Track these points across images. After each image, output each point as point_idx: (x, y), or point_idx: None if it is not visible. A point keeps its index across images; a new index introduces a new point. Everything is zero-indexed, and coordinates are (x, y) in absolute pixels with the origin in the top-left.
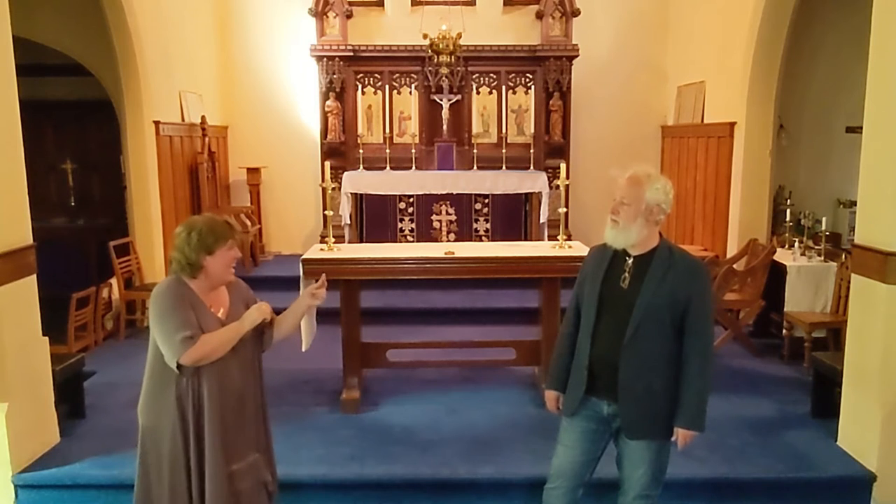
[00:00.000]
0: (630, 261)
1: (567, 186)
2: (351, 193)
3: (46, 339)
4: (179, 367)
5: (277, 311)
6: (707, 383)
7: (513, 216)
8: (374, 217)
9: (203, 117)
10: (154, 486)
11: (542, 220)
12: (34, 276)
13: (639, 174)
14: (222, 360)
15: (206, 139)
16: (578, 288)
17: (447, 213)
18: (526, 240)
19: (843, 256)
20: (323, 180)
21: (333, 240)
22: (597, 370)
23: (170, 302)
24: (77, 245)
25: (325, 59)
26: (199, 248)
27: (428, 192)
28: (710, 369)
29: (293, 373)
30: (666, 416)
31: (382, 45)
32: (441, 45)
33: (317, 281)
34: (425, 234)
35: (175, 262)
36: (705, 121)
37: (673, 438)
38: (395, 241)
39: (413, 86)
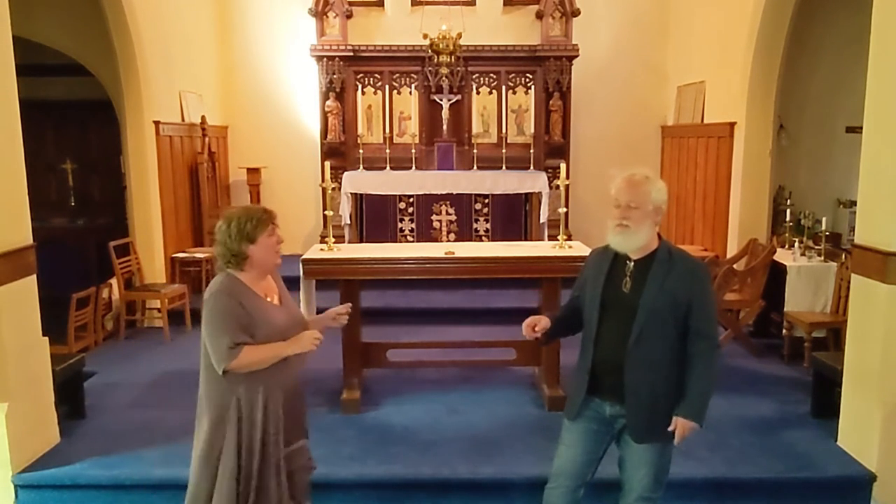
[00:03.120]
0: (631, 264)
1: (567, 186)
2: (351, 193)
3: (46, 339)
4: (225, 370)
5: None
6: (712, 381)
7: (513, 216)
8: (374, 217)
9: (203, 117)
10: (212, 478)
11: (542, 220)
12: (34, 276)
13: (639, 176)
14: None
15: (206, 139)
16: (578, 289)
17: (447, 213)
18: (526, 240)
19: (843, 256)
20: (323, 180)
21: (333, 240)
22: (600, 373)
23: (220, 308)
24: (77, 245)
25: (325, 59)
26: (241, 238)
27: (428, 192)
28: (716, 367)
29: None
30: (669, 419)
31: (382, 45)
32: (441, 45)
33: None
34: (425, 234)
35: (220, 257)
36: (705, 121)
37: (671, 428)
38: (395, 241)
39: (413, 86)
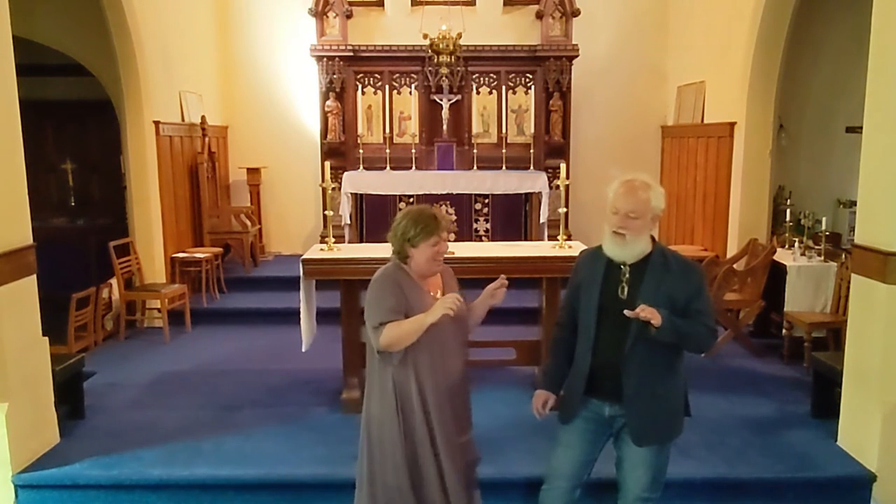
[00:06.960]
0: (626, 269)
1: (567, 186)
2: (351, 193)
3: (46, 339)
4: (381, 352)
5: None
6: (691, 332)
7: (513, 216)
8: (374, 217)
9: (203, 117)
10: (379, 477)
11: (542, 220)
12: (34, 276)
13: (639, 183)
14: (442, 341)
15: (206, 139)
16: (571, 293)
17: (447, 213)
18: (526, 240)
19: (843, 256)
20: (323, 180)
21: (333, 240)
22: (598, 377)
23: (378, 291)
24: (77, 245)
25: (325, 59)
26: (403, 239)
27: (428, 192)
28: (701, 336)
29: (293, 373)
30: (667, 420)
31: (382, 45)
32: (441, 45)
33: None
34: None
35: (392, 246)
36: (705, 121)
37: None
38: None
39: (413, 86)
